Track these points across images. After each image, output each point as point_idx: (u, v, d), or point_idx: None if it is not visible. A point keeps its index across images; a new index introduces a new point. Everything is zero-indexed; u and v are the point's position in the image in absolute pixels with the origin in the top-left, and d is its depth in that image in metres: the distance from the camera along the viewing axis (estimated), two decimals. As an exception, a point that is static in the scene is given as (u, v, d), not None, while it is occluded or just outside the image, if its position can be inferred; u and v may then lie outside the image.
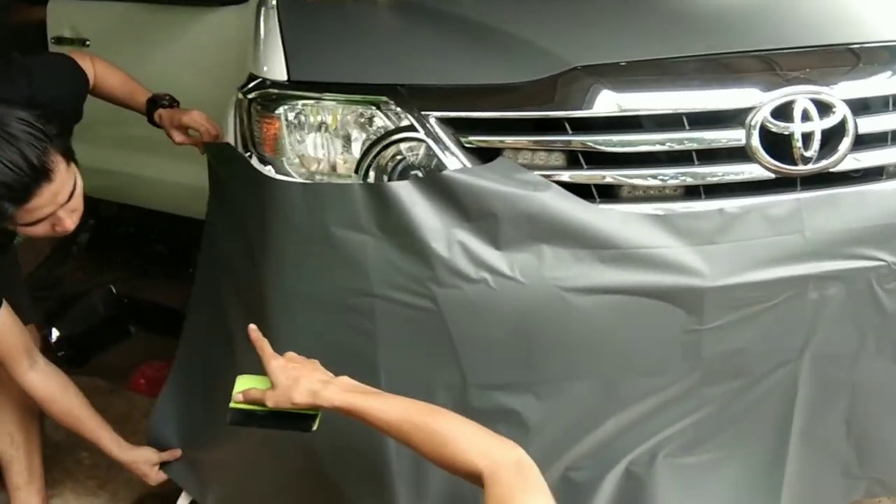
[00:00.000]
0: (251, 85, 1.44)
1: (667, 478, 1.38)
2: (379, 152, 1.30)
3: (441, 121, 1.28)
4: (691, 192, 1.30)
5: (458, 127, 1.28)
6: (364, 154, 1.30)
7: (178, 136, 1.64)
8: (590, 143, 1.26)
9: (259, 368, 1.15)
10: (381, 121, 1.30)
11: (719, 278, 1.26)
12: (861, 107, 1.33)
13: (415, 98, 1.30)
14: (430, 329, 1.27)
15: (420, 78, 1.33)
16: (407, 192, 1.23)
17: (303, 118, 1.37)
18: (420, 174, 1.28)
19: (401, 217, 1.23)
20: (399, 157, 1.29)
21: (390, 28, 1.57)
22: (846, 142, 1.30)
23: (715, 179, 1.29)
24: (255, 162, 1.37)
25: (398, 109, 1.29)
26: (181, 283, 2.04)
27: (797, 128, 1.28)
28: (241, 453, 1.55)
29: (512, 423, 1.30)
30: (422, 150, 1.29)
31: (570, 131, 1.27)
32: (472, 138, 1.28)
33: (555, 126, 1.28)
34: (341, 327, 1.30)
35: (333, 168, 1.36)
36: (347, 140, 1.34)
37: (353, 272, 1.27)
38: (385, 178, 1.30)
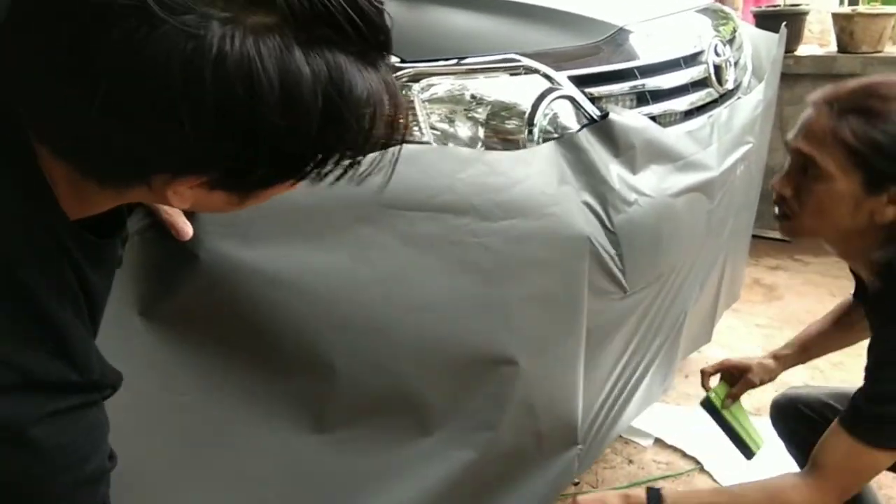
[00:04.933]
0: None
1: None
2: (537, 112, 1.44)
3: (571, 78, 1.49)
4: (689, 114, 1.79)
5: (578, 82, 1.51)
6: (530, 116, 1.43)
7: None
8: (654, 85, 1.65)
9: None
10: (532, 84, 1.44)
11: (718, 168, 1.81)
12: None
13: (541, 62, 1.47)
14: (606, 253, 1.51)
15: (532, 47, 1.49)
16: (587, 140, 1.43)
17: (436, 93, 1.39)
18: (569, 128, 1.48)
19: (589, 162, 1.43)
20: (553, 114, 1.46)
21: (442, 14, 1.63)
22: (732, 70, 1.98)
23: (700, 102, 1.81)
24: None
25: (547, 72, 1.45)
26: None
27: (721, 60, 1.89)
28: None
29: (640, 315, 1.66)
30: (565, 106, 1.48)
31: (638, 76, 1.63)
32: (590, 90, 1.53)
33: (628, 73, 1.62)
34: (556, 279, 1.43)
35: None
36: (492, 108, 1.43)
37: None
38: (544, 135, 1.45)
